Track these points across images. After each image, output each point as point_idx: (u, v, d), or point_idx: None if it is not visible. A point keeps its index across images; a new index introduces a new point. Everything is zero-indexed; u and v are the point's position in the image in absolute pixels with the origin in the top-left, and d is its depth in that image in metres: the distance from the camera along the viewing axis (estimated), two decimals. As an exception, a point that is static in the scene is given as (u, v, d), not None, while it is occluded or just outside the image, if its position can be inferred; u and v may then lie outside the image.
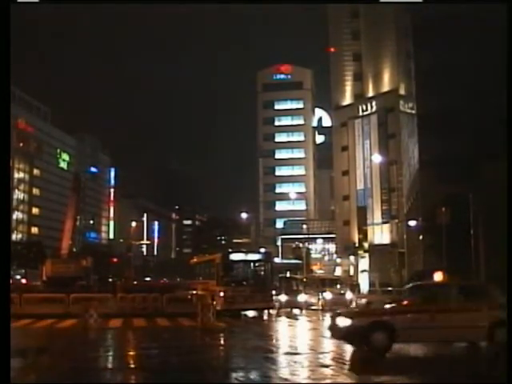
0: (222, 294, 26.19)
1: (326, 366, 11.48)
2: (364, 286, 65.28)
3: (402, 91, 79.04)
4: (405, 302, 13.74)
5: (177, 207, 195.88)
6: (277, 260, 75.27)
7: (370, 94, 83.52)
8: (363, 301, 31.78)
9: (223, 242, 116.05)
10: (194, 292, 30.25)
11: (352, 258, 79.68)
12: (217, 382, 10.45)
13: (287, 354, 13.61)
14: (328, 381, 10.15)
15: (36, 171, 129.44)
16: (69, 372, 11.34)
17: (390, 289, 50.44)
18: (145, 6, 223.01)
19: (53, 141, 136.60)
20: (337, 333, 13.28)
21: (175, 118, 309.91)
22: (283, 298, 30.69)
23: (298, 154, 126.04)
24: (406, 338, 12.60)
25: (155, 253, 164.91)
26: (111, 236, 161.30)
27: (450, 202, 43.08)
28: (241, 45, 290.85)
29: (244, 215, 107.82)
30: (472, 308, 13.03)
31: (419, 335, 12.74)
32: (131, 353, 14.05)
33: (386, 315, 13.01)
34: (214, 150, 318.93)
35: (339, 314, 13.47)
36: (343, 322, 12.84)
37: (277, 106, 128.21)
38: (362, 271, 76.27)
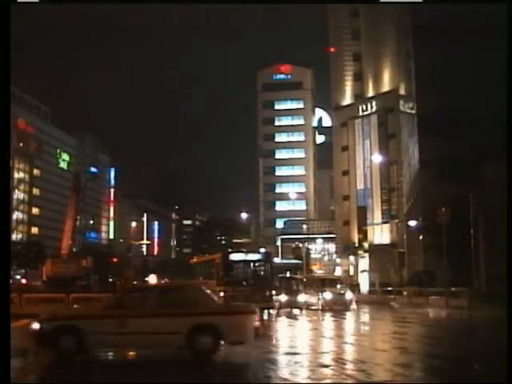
0: (221, 293, 26.18)
1: (326, 366, 11.52)
2: (364, 286, 65.28)
3: (402, 91, 78.93)
4: (97, 306, 13.08)
5: (177, 207, 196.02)
6: (277, 260, 75.23)
7: (370, 93, 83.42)
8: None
9: (223, 242, 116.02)
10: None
11: (352, 257, 79.64)
12: (217, 381, 10.45)
13: (287, 354, 13.62)
14: (328, 380, 10.16)
15: (36, 171, 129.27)
16: (69, 372, 11.35)
17: (390, 289, 50.41)
18: (145, 5, 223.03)
19: (53, 141, 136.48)
20: (30, 337, 12.59)
21: (175, 117, 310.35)
22: (283, 297, 30.65)
23: (298, 154, 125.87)
24: (95, 343, 11.99)
25: (155, 253, 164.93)
26: (111, 236, 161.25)
27: (450, 202, 43.07)
28: (241, 45, 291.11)
29: (244, 215, 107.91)
30: (170, 313, 12.19)
31: (110, 341, 12.09)
32: (131, 353, 14.06)
33: (74, 319, 12.42)
34: (214, 149, 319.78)
35: (37, 319, 12.67)
36: (35, 325, 12.25)
37: (277, 106, 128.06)
38: (362, 271, 76.20)
